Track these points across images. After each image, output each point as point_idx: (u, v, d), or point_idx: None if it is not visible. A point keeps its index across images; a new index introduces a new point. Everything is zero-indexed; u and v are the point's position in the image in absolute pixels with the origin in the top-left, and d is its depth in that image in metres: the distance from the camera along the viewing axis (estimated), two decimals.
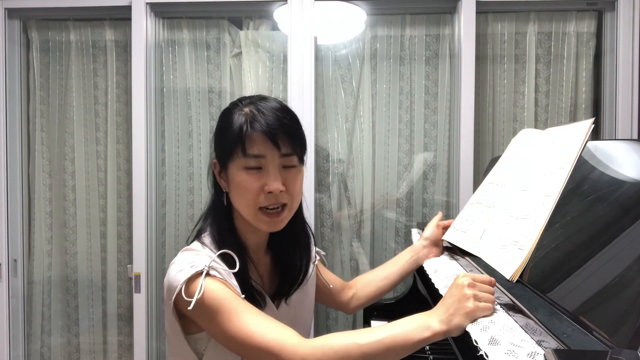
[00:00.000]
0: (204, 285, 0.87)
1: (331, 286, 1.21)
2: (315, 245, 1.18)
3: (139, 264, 1.92)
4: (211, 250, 0.96)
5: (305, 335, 1.08)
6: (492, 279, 0.84)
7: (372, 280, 1.26)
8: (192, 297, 0.86)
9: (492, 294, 0.81)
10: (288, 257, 1.08)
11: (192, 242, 1.01)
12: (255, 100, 0.98)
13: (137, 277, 1.92)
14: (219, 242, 0.97)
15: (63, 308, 2.15)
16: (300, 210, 1.08)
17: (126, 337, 2.14)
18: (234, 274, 0.93)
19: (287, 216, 0.99)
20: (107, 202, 2.10)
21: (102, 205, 2.12)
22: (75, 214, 2.12)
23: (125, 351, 2.14)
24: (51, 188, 2.12)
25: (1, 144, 1.98)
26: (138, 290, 1.92)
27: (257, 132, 0.93)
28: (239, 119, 0.95)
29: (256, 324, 0.84)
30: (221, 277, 0.90)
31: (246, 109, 0.96)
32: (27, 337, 2.13)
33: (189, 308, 0.86)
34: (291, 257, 1.08)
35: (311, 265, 1.13)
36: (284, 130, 0.95)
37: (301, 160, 1.00)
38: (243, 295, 0.91)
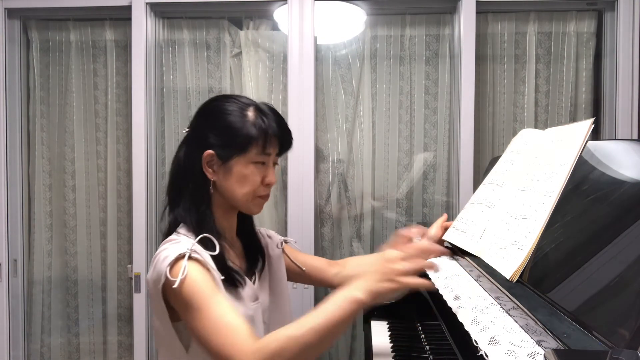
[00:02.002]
0: (187, 268, 0.91)
1: (304, 269, 1.27)
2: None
3: (139, 264, 1.92)
4: (188, 237, 1.01)
5: (288, 318, 1.16)
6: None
7: (366, 264, 1.31)
8: (176, 278, 0.90)
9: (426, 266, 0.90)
10: (253, 238, 1.18)
11: (167, 234, 1.05)
12: (257, 105, 1.07)
13: (137, 277, 1.92)
14: (199, 228, 1.02)
15: (63, 308, 2.15)
16: None
17: (126, 337, 2.14)
18: (214, 257, 0.98)
19: None
20: (107, 202, 2.10)
21: (102, 205, 2.12)
22: (75, 214, 2.12)
23: (125, 351, 2.14)
24: (51, 188, 2.13)
25: (1, 144, 1.98)
26: (138, 290, 1.92)
27: (276, 134, 1.05)
28: (255, 119, 1.04)
29: (216, 323, 0.87)
30: (203, 259, 0.94)
31: (254, 111, 1.05)
32: (27, 337, 2.13)
33: (174, 287, 0.89)
34: (255, 237, 1.19)
35: (275, 249, 1.22)
36: (288, 132, 1.09)
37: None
38: (222, 277, 0.96)
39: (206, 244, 1.00)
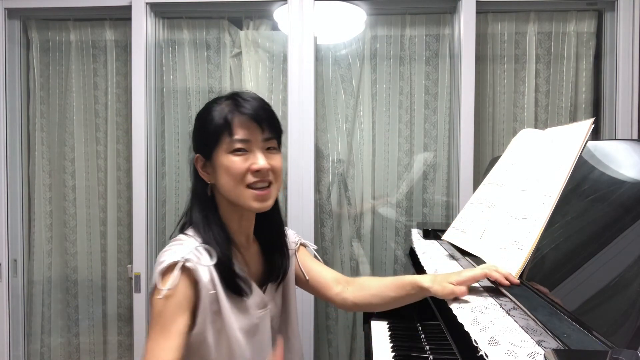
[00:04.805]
0: (175, 281, 0.92)
1: (307, 277, 1.20)
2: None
3: (139, 264, 1.92)
4: (195, 239, 1.00)
5: (294, 322, 1.15)
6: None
7: (379, 286, 1.16)
8: (164, 286, 0.92)
9: None
10: (274, 243, 1.13)
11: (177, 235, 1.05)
12: (232, 94, 1.04)
13: (137, 277, 1.92)
14: (204, 232, 1.01)
15: (63, 308, 2.15)
16: (277, 199, 1.12)
17: (126, 337, 2.14)
18: (216, 264, 0.97)
19: (274, 194, 1.05)
20: (107, 202, 2.10)
21: (102, 205, 2.12)
22: (75, 214, 2.12)
23: (125, 351, 2.14)
24: (51, 188, 2.12)
25: (1, 144, 1.98)
26: (138, 290, 1.92)
27: (243, 116, 0.99)
28: (222, 109, 1.01)
29: (150, 352, 0.94)
30: (195, 269, 0.94)
31: (226, 101, 1.02)
32: (27, 337, 2.13)
33: (159, 297, 0.92)
34: (277, 243, 1.13)
35: (292, 254, 1.18)
36: (266, 114, 1.01)
37: (279, 145, 1.06)
38: (213, 291, 0.95)
39: (209, 251, 0.98)
